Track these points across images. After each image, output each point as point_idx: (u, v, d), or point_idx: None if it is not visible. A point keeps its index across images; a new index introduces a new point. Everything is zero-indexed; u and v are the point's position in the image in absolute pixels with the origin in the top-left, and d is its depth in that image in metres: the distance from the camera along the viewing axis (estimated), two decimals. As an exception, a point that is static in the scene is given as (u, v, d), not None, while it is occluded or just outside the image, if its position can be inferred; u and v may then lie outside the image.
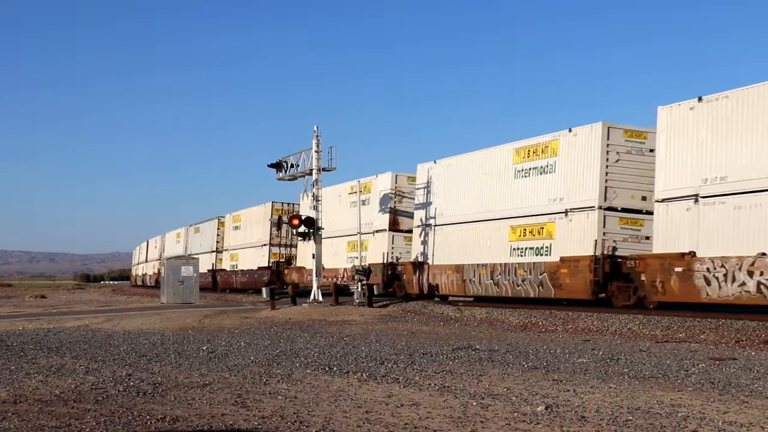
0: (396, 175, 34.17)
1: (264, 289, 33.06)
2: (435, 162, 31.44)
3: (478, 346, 15.29)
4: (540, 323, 21.36)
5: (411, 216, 33.15)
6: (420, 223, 31.72)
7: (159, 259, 73.72)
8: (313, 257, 31.64)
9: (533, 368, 11.93)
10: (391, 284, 32.90)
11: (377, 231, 34.61)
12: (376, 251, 34.08)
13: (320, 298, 30.87)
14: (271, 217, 44.79)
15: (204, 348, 15.31)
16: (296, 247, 44.07)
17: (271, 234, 46.22)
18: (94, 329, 21.57)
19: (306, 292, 33.18)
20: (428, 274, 30.69)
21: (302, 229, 31.19)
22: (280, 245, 46.53)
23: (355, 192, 36.20)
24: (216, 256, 57.23)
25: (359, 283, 29.99)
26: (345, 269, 36.19)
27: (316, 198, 31.72)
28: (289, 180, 34.32)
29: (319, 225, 31.50)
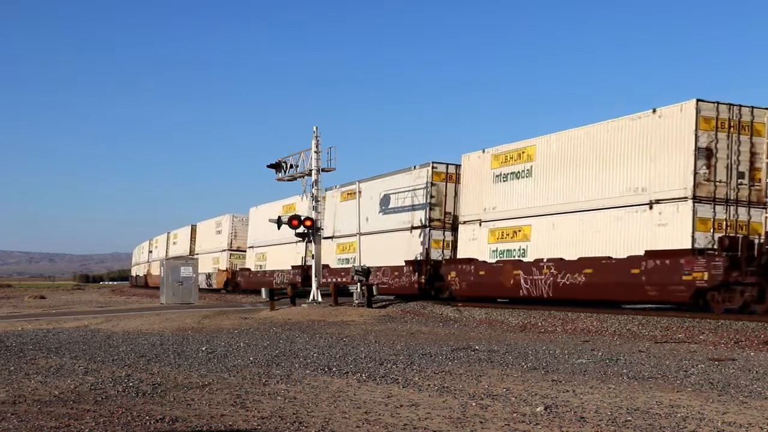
0: None
1: (263, 290, 32.99)
2: None
3: (477, 347, 15.30)
4: (539, 324, 21.36)
5: None
6: None
7: (230, 248, 55.08)
8: (312, 257, 31.64)
9: (532, 369, 11.94)
10: None
11: None
12: None
13: (319, 299, 30.86)
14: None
15: (203, 348, 15.31)
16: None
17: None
18: (93, 330, 21.56)
19: None
20: None
21: (301, 229, 31.13)
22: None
23: None
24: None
25: (358, 284, 29.99)
26: None
27: (315, 198, 31.71)
28: (288, 180, 34.27)
29: (319, 226, 31.49)
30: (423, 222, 31.14)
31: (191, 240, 64.60)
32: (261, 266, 47.92)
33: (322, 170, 31.70)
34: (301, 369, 11.96)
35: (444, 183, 31.37)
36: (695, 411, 8.28)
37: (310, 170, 31.82)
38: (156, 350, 15.18)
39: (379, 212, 34.38)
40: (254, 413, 8.35)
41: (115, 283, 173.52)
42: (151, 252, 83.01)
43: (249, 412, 8.44)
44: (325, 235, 36.12)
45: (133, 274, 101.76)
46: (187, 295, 37.25)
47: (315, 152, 31.53)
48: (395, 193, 33.38)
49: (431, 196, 31.03)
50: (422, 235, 31.14)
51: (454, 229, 30.61)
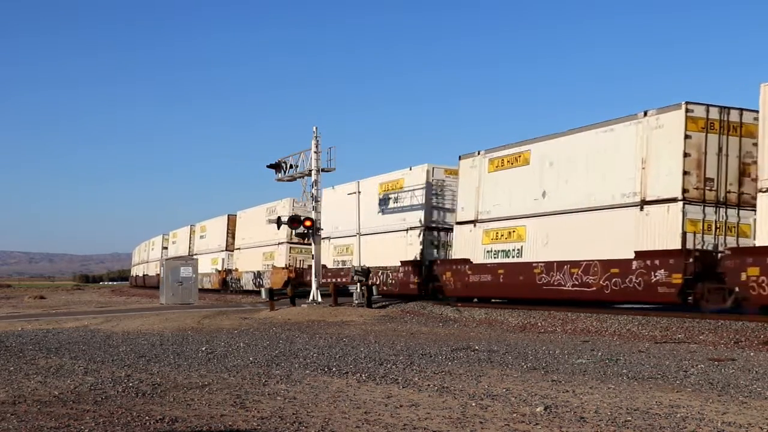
0: None
1: (263, 290, 33.04)
2: None
3: (477, 347, 15.30)
4: (539, 324, 21.37)
5: None
6: None
7: (290, 241, 43.80)
8: (313, 257, 31.66)
9: (532, 369, 11.94)
10: None
11: None
12: None
13: (319, 299, 30.89)
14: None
15: (203, 349, 15.31)
16: None
17: None
18: (93, 330, 21.57)
19: None
20: None
21: (301, 229, 31.18)
22: None
23: None
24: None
25: (358, 284, 30.02)
26: None
27: (315, 199, 31.72)
28: (288, 181, 34.33)
29: (318, 226, 31.51)
30: (671, 194, 20.84)
31: (228, 233, 54.53)
32: (344, 262, 38.27)
33: (322, 170, 31.77)
34: (301, 369, 11.96)
35: (703, 134, 20.80)
36: (695, 411, 8.28)
37: (310, 170, 31.87)
38: (156, 350, 15.18)
39: (566, 183, 24.44)
40: (254, 413, 8.34)
41: (114, 283, 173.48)
42: (165, 248, 74.39)
43: (249, 412, 8.44)
44: (460, 219, 29.23)
45: (138, 273, 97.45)
46: (186, 295, 37.29)
47: (315, 152, 31.59)
48: (602, 154, 23.19)
49: (685, 155, 20.73)
50: (669, 213, 20.85)
51: (721, 204, 20.84)
